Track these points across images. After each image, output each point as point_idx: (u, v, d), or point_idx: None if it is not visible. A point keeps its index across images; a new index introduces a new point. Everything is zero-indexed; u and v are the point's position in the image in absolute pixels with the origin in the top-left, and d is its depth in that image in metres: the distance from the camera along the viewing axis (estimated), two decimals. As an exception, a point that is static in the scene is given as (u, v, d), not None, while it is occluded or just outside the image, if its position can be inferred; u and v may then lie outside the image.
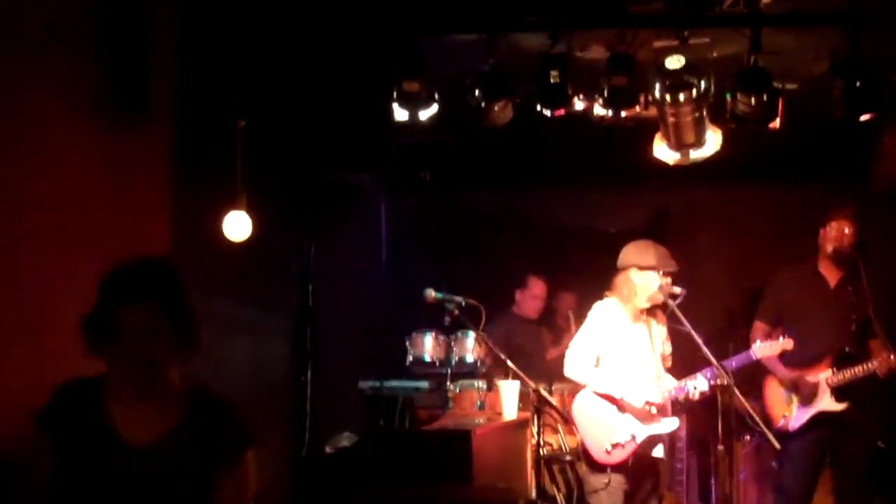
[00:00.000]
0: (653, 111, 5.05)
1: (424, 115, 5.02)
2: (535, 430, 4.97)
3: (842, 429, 4.96)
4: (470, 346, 5.86)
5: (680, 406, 5.09)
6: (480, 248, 7.44)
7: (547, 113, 4.97)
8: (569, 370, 4.86)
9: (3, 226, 3.15)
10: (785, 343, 4.89)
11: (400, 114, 5.01)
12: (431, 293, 5.20)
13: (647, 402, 4.71)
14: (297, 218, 5.97)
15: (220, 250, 4.58)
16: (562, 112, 4.97)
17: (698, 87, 4.66)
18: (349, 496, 4.62)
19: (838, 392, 4.93)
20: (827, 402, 4.96)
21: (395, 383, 6.08)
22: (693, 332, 4.55)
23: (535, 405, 4.92)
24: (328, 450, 5.66)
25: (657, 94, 4.71)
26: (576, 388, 4.98)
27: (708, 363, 4.60)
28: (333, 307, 6.27)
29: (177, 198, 4.02)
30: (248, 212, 4.65)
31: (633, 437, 4.74)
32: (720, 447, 4.73)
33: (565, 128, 5.49)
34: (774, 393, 5.09)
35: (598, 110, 5.04)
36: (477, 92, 4.91)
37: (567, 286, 7.10)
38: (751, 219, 7.29)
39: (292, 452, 5.84)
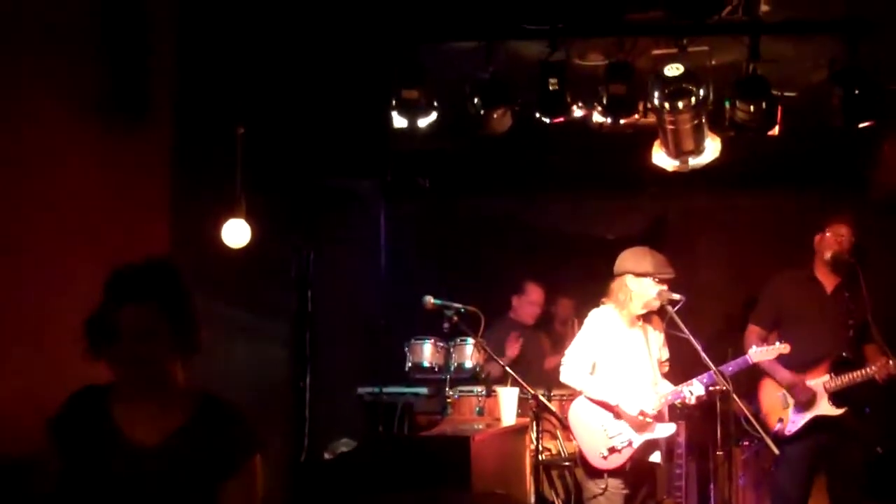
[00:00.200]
0: (651, 119, 5.07)
1: (424, 122, 5.04)
2: (533, 435, 4.97)
3: (839, 434, 4.96)
4: (469, 353, 5.88)
5: (678, 412, 5.10)
6: (479, 255, 7.43)
7: (546, 120, 5.00)
8: (564, 377, 4.86)
9: (3, 226, 3.16)
10: (782, 347, 4.89)
11: (399, 121, 5.03)
12: (430, 300, 5.19)
13: (641, 413, 4.70)
14: (296, 223, 5.99)
15: (219, 254, 4.59)
16: (561, 119, 4.99)
17: (697, 95, 4.68)
18: (348, 502, 4.62)
19: (836, 397, 4.94)
20: (825, 407, 4.96)
21: (394, 389, 6.06)
22: (692, 339, 4.55)
23: (533, 411, 4.91)
24: (327, 455, 5.66)
25: (656, 102, 4.73)
26: (575, 394, 4.98)
27: (706, 369, 4.61)
28: (332, 313, 6.28)
29: (176, 199, 4.03)
30: (248, 217, 4.66)
31: (630, 443, 4.74)
32: (719, 453, 4.74)
33: (564, 135, 5.51)
34: (770, 397, 5.09)
35: (597, 118, 5.07)
36: (476, 99, 4.93)
37: (566, 293, 7.11)
38: (749, 226, 7.28)
39: (291, 458, 5.84)
